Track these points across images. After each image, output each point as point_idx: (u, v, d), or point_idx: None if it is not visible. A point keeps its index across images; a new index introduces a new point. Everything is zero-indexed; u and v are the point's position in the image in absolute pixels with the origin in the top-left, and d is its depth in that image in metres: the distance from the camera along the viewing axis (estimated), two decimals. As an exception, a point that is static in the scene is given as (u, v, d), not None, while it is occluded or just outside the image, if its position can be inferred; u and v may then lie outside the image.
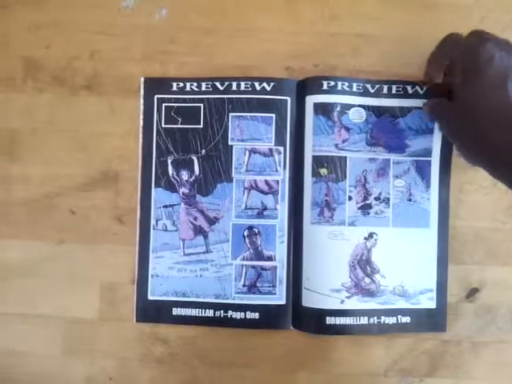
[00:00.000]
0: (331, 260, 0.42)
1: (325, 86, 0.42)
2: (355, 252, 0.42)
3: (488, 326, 0.43)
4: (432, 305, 0.42)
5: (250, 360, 0.43)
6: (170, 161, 0.43)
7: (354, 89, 0.42)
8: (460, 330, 0.43)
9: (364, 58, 0.43)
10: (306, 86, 0.42)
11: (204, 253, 0.43)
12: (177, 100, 0.43)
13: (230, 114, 0.43)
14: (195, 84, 0.43)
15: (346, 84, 0.42)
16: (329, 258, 0.42)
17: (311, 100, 0.42)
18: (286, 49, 0.43)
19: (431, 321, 0.42)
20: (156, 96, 0.43)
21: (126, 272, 0.43)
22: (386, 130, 0.42)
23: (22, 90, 0.44)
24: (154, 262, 0.43)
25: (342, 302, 0.41)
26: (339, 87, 0.42)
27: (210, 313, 0.42)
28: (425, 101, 0.41)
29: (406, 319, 0.42)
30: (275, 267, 0.42)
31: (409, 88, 0.42)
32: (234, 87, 0.43)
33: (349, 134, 0.42)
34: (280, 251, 0.42)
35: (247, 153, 0.43)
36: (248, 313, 0.42)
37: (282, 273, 0.42)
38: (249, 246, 0.43)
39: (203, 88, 0.43)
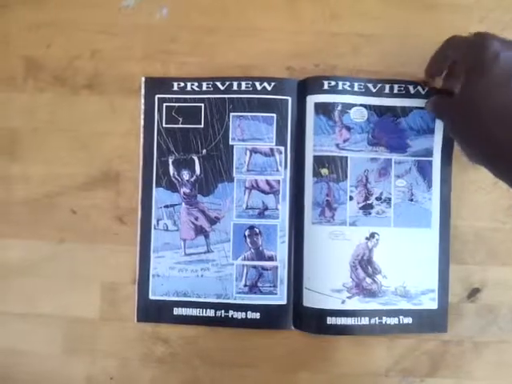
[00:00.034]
0: (332, 260, 0.42)
1: (326, 86, 0.42)
2: (356, 252, 0.42)
3: (489, 326, 0.43)
4: (433, 305, 0.42)
5: (251, 360, 0.43)
6: (170, 160, 0.43)
7: (356, 88, 0.42)
8: (461, 330, 0.43)
9: (364, 57, 0.43)
10: (306, 86, 0.42)
11: (205, 253, 0.43)
12: (178, 100, 0.43)
13: (231, 114, 0.43)
14: (196, 84, 0.43)
15: (348, 84, 0.42)
16: (330, 258, 0.42)
17: (312, 100, 0.42)
18: (287, 48, 0.44)
19: (432, 321, 0.42)
20: (157, 96, 0.43)
21: (126, 272, 0.43)
22: (387, 129, 0.42)
23: (23, 89, 0.44)
24: (155, 262, 0.43)
25: (343, 302, 0.41)
26: (340, 87, 0.42)
27: (211, 313, 0.43)
28: (426, 101, 0.41)
29: (408, 320, 0.42)
30: (276, 267, 0.43)
31: (411, 88, 0.42)
32: (235, 87, 0.43)
33: (350, 133, 0.42)
34: (281, 251, 0.43)
35: (248, 153, 0.43)
36: (249, 313, 0.42)
37: (283, 273, 0.43)
38: (250, 245, 0.43)
39: (204, 88, 0.43)
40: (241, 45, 0.44)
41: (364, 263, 0.42)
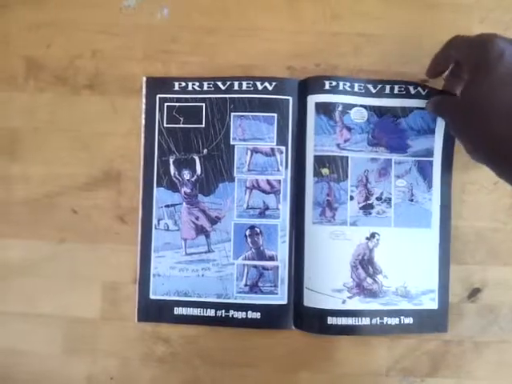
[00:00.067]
0: (333, 260, 0.42)
1: (327, 86, 0.42)
2: (357, 252, 0.42)
3: (490, 326, 0.43)
4: (434, 305, 0.43)
5: (251, 360, 0.44)
6: (171, 160, 0.44)
7: (356, 89, 0.43)
8: (462, 330, 0.43)
9: (365, 57, 0.44)
10: (307, 86, 0.43)
11: (206, 252, 0.44)
12: (179, 99, 0.44)
13: (232, 114, 0.43)
14: (197, 83, 0.44)
15: (348, 84, 0.42)
16: (330, 258, 0.42)
17: (313, 100, 0.43)
18: (288, 48, 0.44)
19: (433, 321, 0.43)
20: (158, 95, 0.44)
21: (127, 271, 0.44)
22: (387, 130, 0.43)
23: (24, 89, 0.45)
24: (156, 262, 0.44)
25: (344, 302, 0.42)
26: (341, 87, 0.42)
27: (211, 312, 0.43)
28: (427, 101, 0.42)
29: (409, 320, 0.43)
30: (277, 267, 0.43)
31: (411, 88, 0.43)
32: (236, 87, 0.43)
33: (350, 133, 0.43)
34: (282, 251, 0.43)
35: (249, 152, 0.43)
36: (250, 312, 0.43)
37: (284, 273, 0.43)
38: (250, 245, 0.43)
39: (205, 88, 0.44)
40: (242, 45, 0.44)
41: (365, 263, 0.42)
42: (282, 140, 0.43)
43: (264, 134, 0.43)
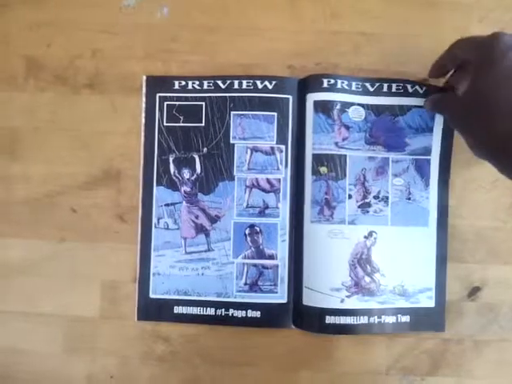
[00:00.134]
0: (331, 259, 0.43)
1: (325, 84, 0.43)
2: (355, 251, 0.43)
3: (490, 325, 0.44)
4: (431, 304, 0.44)
5: (251, 358, 0.44)
6: (171, 159, 0.45)
7: (354, 87, 0.43)
8: (462, 328, 0.44)
9: (365, 56, 0.45)
10: (306, 84, 0.44)
11: (205, 251, 0.44)
12: (179, 98, 0.45)
13: (232, 113, 0.44)
14: (197, 82, 0.45)
15: (346, 82, 0.43)
16: (329, 257, 0.43)
17: (311, 98, 0.43)
18: (288, 47, 0.45)
19: (430, 320, 0.44)
20: (158, 94, 0.45)
21: (127, 270, 0.45)
22: (385, 128, 0.44)
23: (24, 88, 0.46)
24: (156, 261, 0.44)
25: (342, 301, 0.43)
26: (339, 85, 0.43)
27: (211, 311, 0.44)
28: (425, 99, 0.43)
29: (406, 318, 0.43)
30: (277, 266, 0.44)
31: (409, 87, 0.44)
32: (236, 86, 0.44)
33: (349, 132, 0.43)
34: (281, 250, 0.44)
35: (249, 151, 0.44)
36: (249, 311, 0.44)
37: (284, 271, 0.44)
38: (250, 244, 0.44)
39: (205, 86, 0.45)
40: (242, 44, 0.45)
41: (363, 262, 0.43)
42: (281, 139, 0.44)
43: (264, 132, 0.44)
